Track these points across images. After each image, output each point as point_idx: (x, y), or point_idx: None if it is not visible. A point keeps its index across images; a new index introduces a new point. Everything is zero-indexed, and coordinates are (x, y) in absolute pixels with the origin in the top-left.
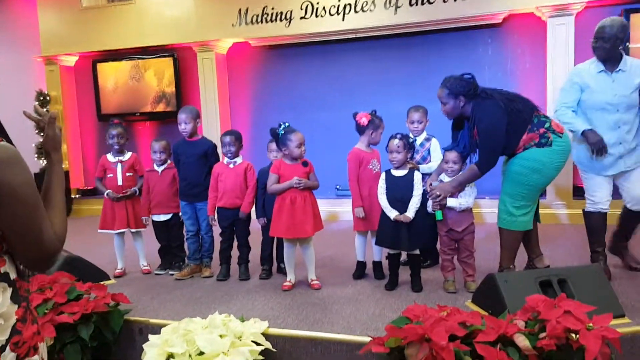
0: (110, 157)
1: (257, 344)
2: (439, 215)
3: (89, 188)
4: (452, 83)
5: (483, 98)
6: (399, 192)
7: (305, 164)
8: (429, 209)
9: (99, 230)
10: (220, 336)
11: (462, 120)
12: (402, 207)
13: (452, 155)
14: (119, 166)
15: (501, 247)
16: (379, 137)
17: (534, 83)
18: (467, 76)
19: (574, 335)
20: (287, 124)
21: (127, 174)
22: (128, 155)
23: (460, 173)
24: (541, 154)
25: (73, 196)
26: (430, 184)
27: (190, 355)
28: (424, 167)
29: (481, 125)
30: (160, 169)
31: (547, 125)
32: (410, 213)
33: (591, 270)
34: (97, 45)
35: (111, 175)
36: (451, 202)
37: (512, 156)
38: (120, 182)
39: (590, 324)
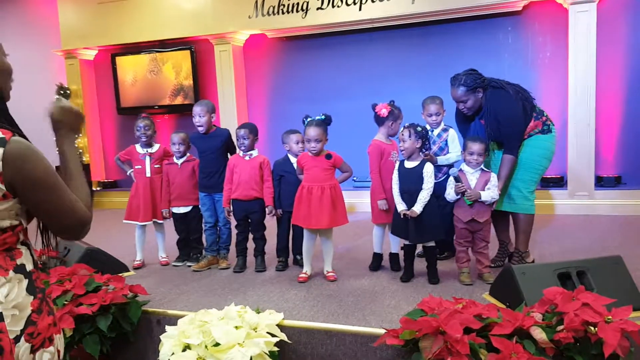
0: (139, 148)
1: (273, 335)
2: (467, 200)
3: (110, 181)
4: (466, 79)
5: (495, 88)
6: (407, 184)
7: (328, 156)
8: (448, 197)
9: (124, 221)
10: (236, 327)
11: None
12: (409, 199)
13: (478, 146)
14: (147, 158)
15: (518, 232)
16: (398, 127)
17: (555, 72)
18: (472, 69)
19: (592, 328)
20: (323, 116)
21: (155, 166)
22: (156, 147)
23: (500, 169)
24: (547, 140)
25: (94, 189)
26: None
27: (206, 346)
28: (442, 159)
29: (501, 116)
30: (179, 162)
31: (545, 114)
32: (418, 207)
33: (611, 261)
34: (115, 39)
35: (139, 166)
36: (485, 195)
37: None
38: (148, 174)
39: (609, 317)
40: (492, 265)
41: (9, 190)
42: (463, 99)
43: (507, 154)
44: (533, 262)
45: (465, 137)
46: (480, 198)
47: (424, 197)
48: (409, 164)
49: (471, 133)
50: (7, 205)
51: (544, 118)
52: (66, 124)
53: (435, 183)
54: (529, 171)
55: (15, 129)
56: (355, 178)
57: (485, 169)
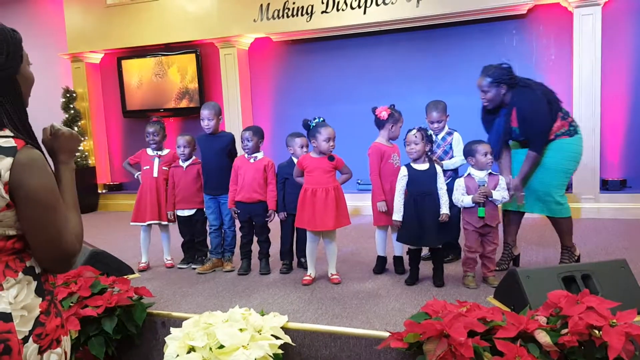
0: (149, 151)
1: (277, 337)
2: (481, 212)
3: (115, 183)
4: (494, 72)
5: (522, 87)
6: (425, 186)
7: (331, 158)
8: (462, 203)
9: (131, 223)
10: (240, 330)
11: (493, 108)
12: (430, 200)
13: (485, 146)
14: (156, 160)
15: (560, 232)
16: (399, 131)
17: (559, 75)
18: (506, 65)
19: (596, 331)
20: (321, 119)
21: (163, 168)
22: (166, 151)
23: (522, 165)
24: (573, 142)
25: (100, 191)
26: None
27: (210, 349)
28: (447, 163)
29: (526, 113)
30: (184, 165)
31: (571, 115)
32: (447, 209)
33: (616, 265)
34: (121, 43)
35: (147, 167)
36: (496, 195)
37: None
38: (155, 174)
39: (614, 320)
40: (497, 268)
41: (13, 200)
42: (485, 89)
43: (532, 151)
44: (579, 256)
45: (489, 132)
46: (491, 196)
47: (447, 198)
48: (419, 166)
49: (494, 129)
50: (11, 214)
51: (570, 119)
52: (65, 148)
53: None
54: (558, 175)
55: (31, 140)
56: (359, 181)
57: (494, 173)
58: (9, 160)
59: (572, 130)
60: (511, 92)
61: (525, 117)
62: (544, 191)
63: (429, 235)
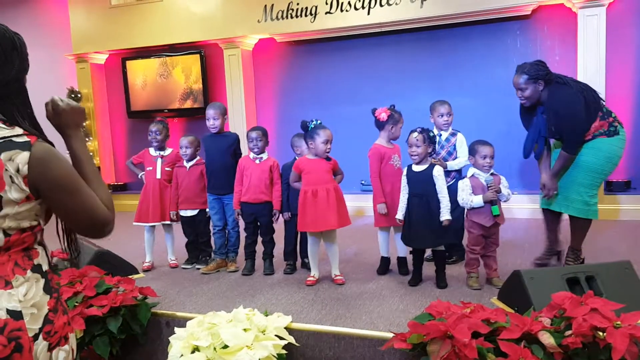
0: (152, 151)
1: (281, 338)
2: (496, 210)
3: (119, 183)
4: (530, 68)
5: (559, 84)
6: (419, 187)
7: (328, 158)
8: (467, 204)
9: (134, 223)
10: (244, 330)
11: (530, 107)
12: (419, 201)
13: (489, 149)
14: (159, 160)
15: (574, 232)
16: (399, 131)
17: None
18: (540, 61)
19: (600, 333)
20: (319, 122)
21: (166, 169)
22: (169, 151)
23: (555, 163)
24: (611, 143)
25: None
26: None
27: (214, 349)
28: (451, 164)
29: (561, 112)
30: (188, 165)
31: (613, 114)
32: (448, 215)
33: (620, 266)
34: (126, 43)
35: (150, 168)
36: (503, 190)
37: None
38: (159, 176)
39: (618, 322)
40: (538, 262)
41: (33, 192)
42: (522, 86)
43: (564, 150)
44: (583, 260)
45: (528, 130)
46: (499, 192)
47: (446, 203)
48: (417, 168)
49: (533, 128)
50: (29, 206)
51: (611, 119)
52: (69, 122)
53: None
54: (590, 175)
55: (40, 134)
56: (362, 182)
57: (495, 173)
58: (25, 154)
59: (612, 130)
60: (547, 89)
61: (560, 115)
62: (573, 189)
63: (416, 237)
